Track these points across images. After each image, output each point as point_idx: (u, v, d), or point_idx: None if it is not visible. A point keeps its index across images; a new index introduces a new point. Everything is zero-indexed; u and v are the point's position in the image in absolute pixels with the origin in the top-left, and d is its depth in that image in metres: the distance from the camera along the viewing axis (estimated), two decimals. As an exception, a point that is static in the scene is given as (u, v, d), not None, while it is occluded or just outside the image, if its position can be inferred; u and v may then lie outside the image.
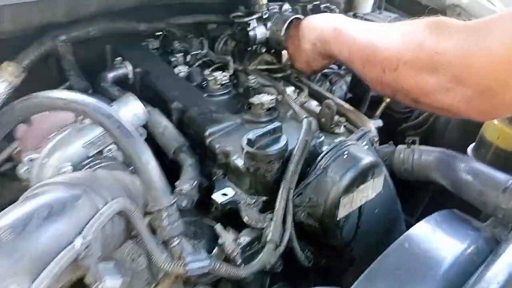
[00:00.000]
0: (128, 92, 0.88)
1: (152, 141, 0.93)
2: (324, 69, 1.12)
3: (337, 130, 1.05)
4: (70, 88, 1.10)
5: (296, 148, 0.80)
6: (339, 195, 0.78)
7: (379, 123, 1.25)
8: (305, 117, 0.89)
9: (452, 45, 0.68)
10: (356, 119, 1.10)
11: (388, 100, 1.25)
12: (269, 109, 0.94)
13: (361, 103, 1.39)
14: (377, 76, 0.83)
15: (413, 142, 0.98)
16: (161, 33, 1.34)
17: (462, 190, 0.83)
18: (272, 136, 0.78)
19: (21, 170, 0.75)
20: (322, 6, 1.29)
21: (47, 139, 0.76)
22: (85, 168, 0.79)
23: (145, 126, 0.92)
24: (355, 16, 1.55)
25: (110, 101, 0.98)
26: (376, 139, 0.95)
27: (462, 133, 1.21)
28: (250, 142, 0.76)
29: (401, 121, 1.42)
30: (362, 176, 0.81)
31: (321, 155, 0.82)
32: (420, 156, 0.94)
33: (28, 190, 0.60)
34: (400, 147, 0.99)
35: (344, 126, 1.06)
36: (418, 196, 1.25)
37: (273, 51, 1.31)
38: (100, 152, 0.81)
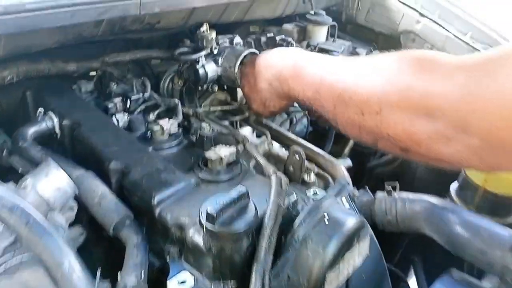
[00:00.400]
0: (48, 158, 0.69)
1: (87, 213, 0.75)
2: (283, 111, 0.99)
3: (307, 179, 0.92)
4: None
5: (267, 217, 0.65)
6: (324, 270, 0.64)
7: (349, 162, 1.14)
8: (273, 173, 0.75)
9: (450, 86, 0.57)
10: (326, 163, 0.98)
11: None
12: (229, 164, 0.79)
13: (326, 139, 1.27)
14: (353, 119, 0.71)
15: (394, 189, 0.87)
16: (95, 73, 1.16)
17: (460, 248, 0.72)
18: (237, 206, 0.63)
19: None
20: (277, 38, 1.17)
21: None
22: (-8, 265, 0.60)
23: (76, 196, 0.74)
24: (308, 46, 1.46)
25: (31, 166, 0.79)
26: (357, 193, 0.82)
27: (436, 170, 1.12)
28: (210, 218, 0.60)
29: (369, 156, 1.32)
30: (348, 243, 0.67)
31: (298, 221, 0.68)
32: (404, 205, 0.83)
33: None
34: (380, 195, 0.87)
35: (315, 174, 0.93)
36: (396, 240, 1.14)
37: (225, 87, 1.18)
38: (15, 241, 0.62)
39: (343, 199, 0.77)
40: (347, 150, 1.16)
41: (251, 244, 0.64)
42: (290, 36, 1.46)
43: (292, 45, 1.16)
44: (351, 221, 0.69)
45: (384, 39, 1.69)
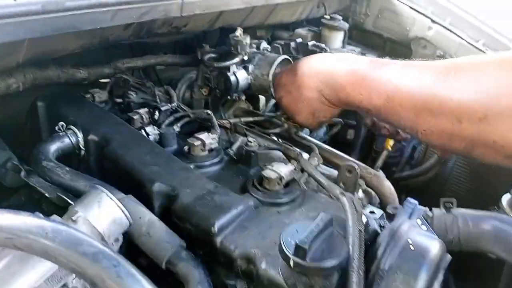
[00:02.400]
0: (94, 184, 0.59)
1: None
2: (333, 119, 0.93)
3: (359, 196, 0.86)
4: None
5: (352, 247, 0.58)
6: (417, 303, 0.58)
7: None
8: (341, 193, 0.68)
9: None
10: (371, 177, 0.92)
11: (390, 148, 1.08)
12: (287, 184, 0.71)
13: (352, 148, 1.22)
14: (443, 128, 0.65)
15: (451, 205, 0.82)
16: (107, 80, 1.05)
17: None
18: (324, 236, 0.56)
19: None
20: (309, 43, 1.10)
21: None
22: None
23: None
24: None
25: (57, 190, 0.68)
26: (431, 214, 0.77)
27: (472, 179, 1.09)
28: (301, 251, 0.52)
29: (392, 166, 1.28)
30: (436, 271, 0.61)
31: (381, 249, 0.61)
32: (467, 223, 0.78)
33: None
34: (438, 212, 0.82)
35: (363, 190, 0.88)
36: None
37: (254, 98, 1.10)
38: (65, 285, 0.51)
39: (418, 220, 0.71)
40: (380, 162, 1.10)
41: (340, 279, 0.56)
42: (303, 40, 1.41)
43: (326, 51, 1.10)
44: (435, 246, 0.63)
45: (392, 46, 1.66)
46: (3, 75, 0.82)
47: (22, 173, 0.72)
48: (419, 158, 1.26)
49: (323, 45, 1.11)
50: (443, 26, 1.51)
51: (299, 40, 1.12)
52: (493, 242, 0.75)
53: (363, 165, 0.95)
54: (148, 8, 0.68)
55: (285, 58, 0.98)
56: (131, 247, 0.63)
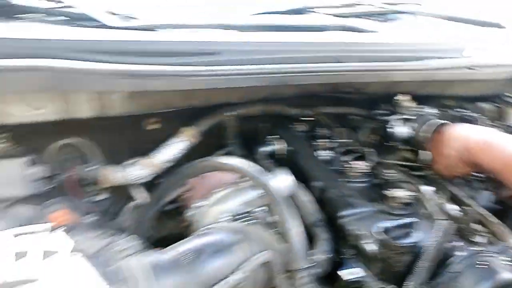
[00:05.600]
0: (281, 167, 1.03)
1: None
2: (464, 176, 1.14)
3: (475, 239, 1.03)
4: (229, 154, 1.31)
5: (429, 246, 0.82)
6: (469, 303, 0.77)
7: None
8: (441, 219, 0.91)
9: None
10: (500, 232, 1.06)
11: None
12: (404, 204, 0.99)
13: (509, 216, 1.31)
14: None
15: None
16: (309, 118, 1.51)
17: None
18: (405, 230, 0.83)
19: (188, 213, 0.92)
20: (467, 114, 1.32)
21: (212, 192, 0.93)
22: (239, 221, 0.93)
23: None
24: (508, 127, 1.51)
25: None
26: None
27: None
28: (384, 230, 0.81)
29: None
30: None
31: (456, 258, 0.83)
32: None
33: (199, 230, 0.75)
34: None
35: (487, 238, 1.03)
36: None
37: (410, 148, 1.37)
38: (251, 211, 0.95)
39: (505, 257, 0.86)
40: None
41: (412, 261, 0.82)
42: (482, 113, 1.56)
43: (477, 121, 1.30)
44: (505, 274, 0.80)
45: None
46: (250, 105, 1.37)
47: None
48: None
49: (476, 115, 1.31)
50: None
51: (463, 111, 1.35)
52: None
53: (496, 220, 1.09)
54: (329, 76, 1.10)
55: (444, 123, 1.23)
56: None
